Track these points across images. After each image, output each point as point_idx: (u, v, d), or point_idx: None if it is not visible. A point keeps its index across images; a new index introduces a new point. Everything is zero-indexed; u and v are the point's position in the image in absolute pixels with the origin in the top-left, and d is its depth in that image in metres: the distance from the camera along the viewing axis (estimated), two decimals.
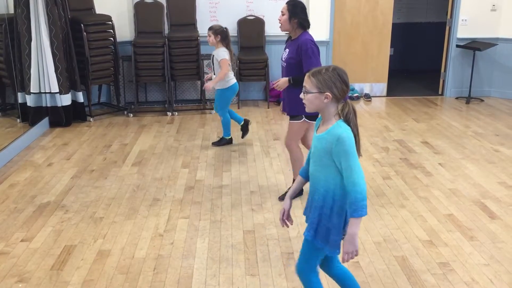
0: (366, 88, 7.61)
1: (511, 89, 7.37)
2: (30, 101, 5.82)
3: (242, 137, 5.42)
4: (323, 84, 2.10)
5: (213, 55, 5.05)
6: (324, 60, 7.23)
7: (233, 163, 4.83)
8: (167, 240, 3.39)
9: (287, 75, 3.79)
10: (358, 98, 7.42)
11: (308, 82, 2.14)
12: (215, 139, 5.49)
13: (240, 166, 4.74)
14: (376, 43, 7.43)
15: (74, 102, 6.14)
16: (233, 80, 5.14)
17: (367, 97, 7.46)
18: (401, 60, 9.19)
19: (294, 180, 3.95)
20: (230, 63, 5.05)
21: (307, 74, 2.17)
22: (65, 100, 5.95)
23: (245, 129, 5.38)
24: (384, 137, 5.59)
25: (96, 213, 3.78)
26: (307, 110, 2.20)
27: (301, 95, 2.19)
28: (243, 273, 3.01)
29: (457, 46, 7.26)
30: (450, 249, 3.25)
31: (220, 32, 4.98)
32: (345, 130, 2.08)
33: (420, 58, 9.32)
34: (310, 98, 2.14)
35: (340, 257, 2.23)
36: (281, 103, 4.06)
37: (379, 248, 3.27)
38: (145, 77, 6.70)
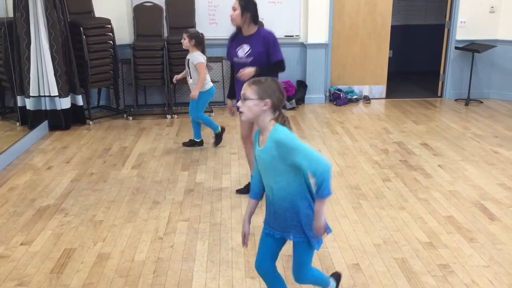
0: (365, 90, 7.61)
1: (510, 91, 7.38)
2: (29, 104, 5.82)
3: (215, 145, 5.40)
4: (263, 91, 2.19)
5: (188, 59, 5.07)
6: (323, 62, 7.25)
7: (233, 166, 4.83)
8: (167, 243, 3.39)
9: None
10: (357, 100, 7.43)
11: (248, 90, 2.21)
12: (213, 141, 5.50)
13: (239, 169, 4.74)
14: (375, 45, 7.44)
15: (74, 105, 6.14)
16: (210, 83, 5.19)
17: (366, 99, 7.47)
18: (400, 62, 9.20)
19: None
20: (207, 68, 5.11)
21: (247, 82, 2.25)
22: (65, 103, 5.95)
23: (219, 137, 5.38)
24: (383, 139, 5.59)
25: (95, 216, 3.78)
26: (243, 118, 2.26)
27: (239, 103, 2.26)
28: (243, 275, 3.00)
29: (456, 48, 7.27)
30: (450, 251, 3.25)
31: (195, 37, 5.02)
32: (281, 131, 2.16)
33: (419, 60, 9.33)
34: (249, 105, 2.20)
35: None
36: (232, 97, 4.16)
37: (379, 250, 3.27)
38: (144, 80, 6.71)
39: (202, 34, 5.12)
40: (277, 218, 2.32)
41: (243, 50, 3.87)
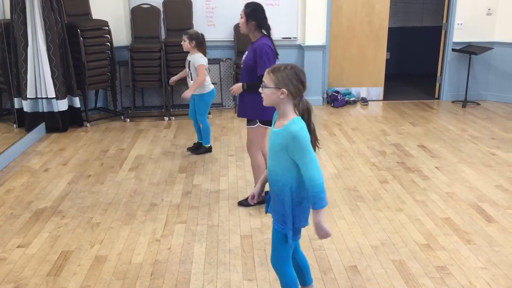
0: (363, 92, 7.62)
1: (507, 93, 7.39)
2: (26, 106, 5.81)
3: (190, 150, 5.27)
4: (280, 80, 2.22)
5: (189, 61, 4.98)
6: (321, 64, 7.25)
7: (230, 168, 4.83)
8: (164, 245, 3.38)
9: (244, 77, 3.86)
10: (355, 102, 7.44)
11: (267, 78, 2.27)
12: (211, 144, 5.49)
13: (237, 171, 4.73)
14: (373, 47, 7.45)
15: (71, 107, 6.13)
16: (211, 85, 5.11)
17: (364, 101, 7.47)
18: (398, 64, 9.21)
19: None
20: (207, 70, 5.04)
21: (267, 70, 2.30)
22: (62, 105, 5.94)
23: (198, 149, 5.23)
24: (381, 141, 5.60)
25: (93, 219, 3.77)
26: (264, 103, 2.31)
27: (260, 89, 2.31)
28: (240, 277, 3.00)
29: (453, 50, 7.29)
30: (448, 253, 3.25)
31: (195, 38, 4.94)
32: (300, 128, 2.20)
33: (416, 62, 9.34)
34: (267, 92, 2.26)
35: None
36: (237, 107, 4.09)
37: (376, 252, 3.27)
38: (142, 82, 6.70)
39: (202, 35, 5.05)
40: (273, 198, 2.40)
41: (243, 57, 3.90)
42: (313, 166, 2.18)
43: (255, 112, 3.77)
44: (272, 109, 2.40)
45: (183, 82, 6.81)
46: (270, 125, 2.46)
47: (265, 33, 3.83)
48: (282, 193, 2.31)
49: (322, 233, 2.27)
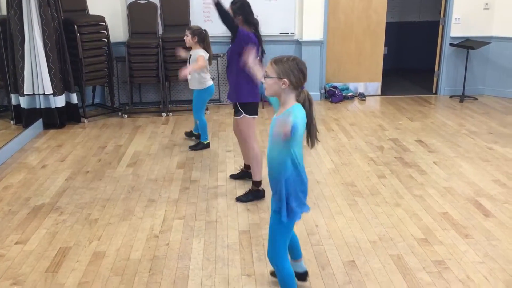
0: (361, 88, 7.62)
1: (504, 87, 7.40)
2: (23, 103, 5.79)
3: (186, 135, 5.58)
4: (282, 71, 2.33)
5: (191, 55, 5.05)
6: (319, 60, 7.24)
7: (228, 163, 4.83)
8: (163, 241, 3.39)
9: (230, 67, 3.95)
10: (352, 97, 7.43)
11: (269, 68, 2.38)
12: (210, 140, 5.49)
13: (235, 166, 4.73)
14: (370, 42, 7.44)
15: (68, 103, 6.12)
16: (210, 81, 5.16)
17: (362, 96, 7.47)
18: (395, 59, 9.21)
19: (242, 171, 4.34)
20: (208, 66, 5.07)
21: (270, 61, 2.40)
22: (59, 101, 5.93)
23: (197, 145, 5.25)
24: (378, 136, 5.60)
25: (91, 215, 3.77)
26: (266, 93, 2.44)
27: (262, 79, 2.43)
28: (239, 273, 3.00)
29: (451, 44, 7.29)
30: (445, 247, 3.26)
31: (197, 34, 4.99)
32: (296, 114, 2.29)
33: (414, 57, 9.35)
34: (269, 82, 2.37)
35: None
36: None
37: (374, 247, 3.28)
38: (139, 78, 6.68)
39: (205, 30, 5.10)
40: (272, 181, 2.48)
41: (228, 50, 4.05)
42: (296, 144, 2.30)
43: (241, 95, 3.86)
44: (257, 91, 2.47)
45: (179, 80, 6.82)
46: (256, 114, 2.56)
47: (253, 30, 3.94)
48: (279, 172, 2.39)
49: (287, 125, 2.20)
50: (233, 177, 4.44)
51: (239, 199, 3.99)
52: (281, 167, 2.38)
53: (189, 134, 5.59)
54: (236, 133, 4.29)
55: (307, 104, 2.38)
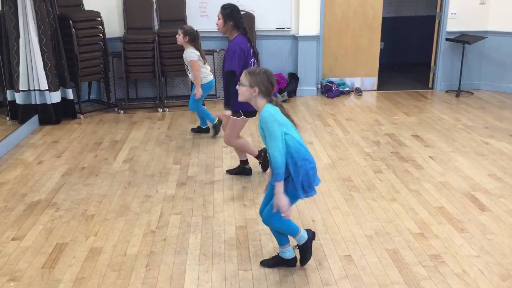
0: (357, 83, 7.62)
1: (500, 82, 7.41)
2: (19, 98, 5.77)
3: (194, 131, 5.62)
4: (254, 81, 2.74)
5: (184, 57, 5.19)
6: (315, 55, 7.24)
7: (225, 159, 4.83)
8: (159, 236, 3.39)
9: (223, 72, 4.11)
10: (349, 92, 7.44)
11: (244, 78, 2.78)
12: (206, 135, 5.50)
13: (232, 162, 4.73)
14: (366, 37, 7.44)
15: (64, 99, 6.10)
16: (210, 76, 5.30)
17: (358, 91, 7.48)
18: (392, 54, 9.21)
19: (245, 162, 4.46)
20: (202, 62, 5.20)
21: (244, 71, 2.79)
22: (55, 97, 5.91)
23: (217, 128, 5.46)
24: (375, 131, 5.61)
25: (87, 211, 3.76)
26: (239, 99, 2.82)
27: (237, 87, 2.82)
28: (235, 268, 3.01)
29: (447, 39, 7.29)
30: (441, 242, 3.27)
31: (189, 34, 5.12)
32: (266, 110, 2.69)
33: (410, 52, 9.34)
34: (242, 89, 2.78)
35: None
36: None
37: (370, 241, 3.29)
38: (135, 74, 6.66)
39: (197, 31, 5.22)
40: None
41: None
42: (275, 146, 2.62)
43: (240, 104, 3.91)
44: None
45: (176, 73, 6.83)
46: (254, 116, 3.10)
47: (243, 31, 4.05)
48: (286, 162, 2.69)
49: (283, 202, 2.65)
50: (230, 172, 4.45)
51: (229, 172, 4.43)
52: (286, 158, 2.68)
53: (196, 130, 5.63)
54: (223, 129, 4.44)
55: (280, 109, 2.76)
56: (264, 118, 2.66)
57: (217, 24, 4.10)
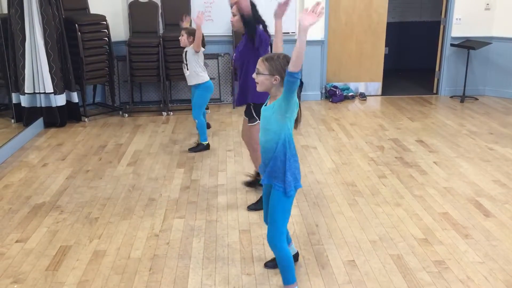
0: (361, 87, 7.62)
1: (505, 88, 7.40)
2: (24, 101, 5.80)
3: (191, 151, 5.18)
4: (274, 68, 2.45)
5: (186, 51, 5.04)
6: (319, 60, 7.24)
7: (229, 163, 4.83)
8: (163, 240, 3.39)
9: (241, 70, 3.85)
10: (353, 97, 7.43)
11: (261, 65, 2.49)
12: (210, 138, 5.49)
13: (235, 166, 4.73)
14: (371, 42, 7.44)
15: (69, 102, 6.12)
16: (206, 77, 5.10)
17: (362, 96, 7.47)
18: (396, 59, 9.21)
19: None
20: (204, 66, 5.08)
21: (261, 58, 2.52)
22: (60, 100, 5.93)
23: (200, 148, 5.20)
24: (379, 136, 5.60)
25: (91, 214, 3.77)
26: (258, 89, 2.53)
27: (254, 75, 2.53)
28: (239, 272, 3.01)
29: (452, 45, 7.28)
30: (445, 247, 3.26)
31: (193, 34, 4.99)
32: None
33: (414, 57, 9.34)
34: (261, 79, 2.49)
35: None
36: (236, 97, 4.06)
37: (374, 247, 3.28)
38: (140, 77, 6.68)
39: (201, 34, 5.10)
40: (265, 163, 2.59)
41: (237, 51, 3.91)
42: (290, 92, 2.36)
43: (255, 96, 3.68)
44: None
45: (181, 77, 6.83)
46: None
47: (262, 26, 3.88)
48: (276, 150, 2.50)
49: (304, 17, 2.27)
50: (247, 185, 4.26)
51: (250, 208, 3.86)
52: (278, 145, 2.50)
53: (194, 148, 5.25)
54: (245, 139, 4.12)
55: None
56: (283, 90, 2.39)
57: (232, 21, 3.90)
